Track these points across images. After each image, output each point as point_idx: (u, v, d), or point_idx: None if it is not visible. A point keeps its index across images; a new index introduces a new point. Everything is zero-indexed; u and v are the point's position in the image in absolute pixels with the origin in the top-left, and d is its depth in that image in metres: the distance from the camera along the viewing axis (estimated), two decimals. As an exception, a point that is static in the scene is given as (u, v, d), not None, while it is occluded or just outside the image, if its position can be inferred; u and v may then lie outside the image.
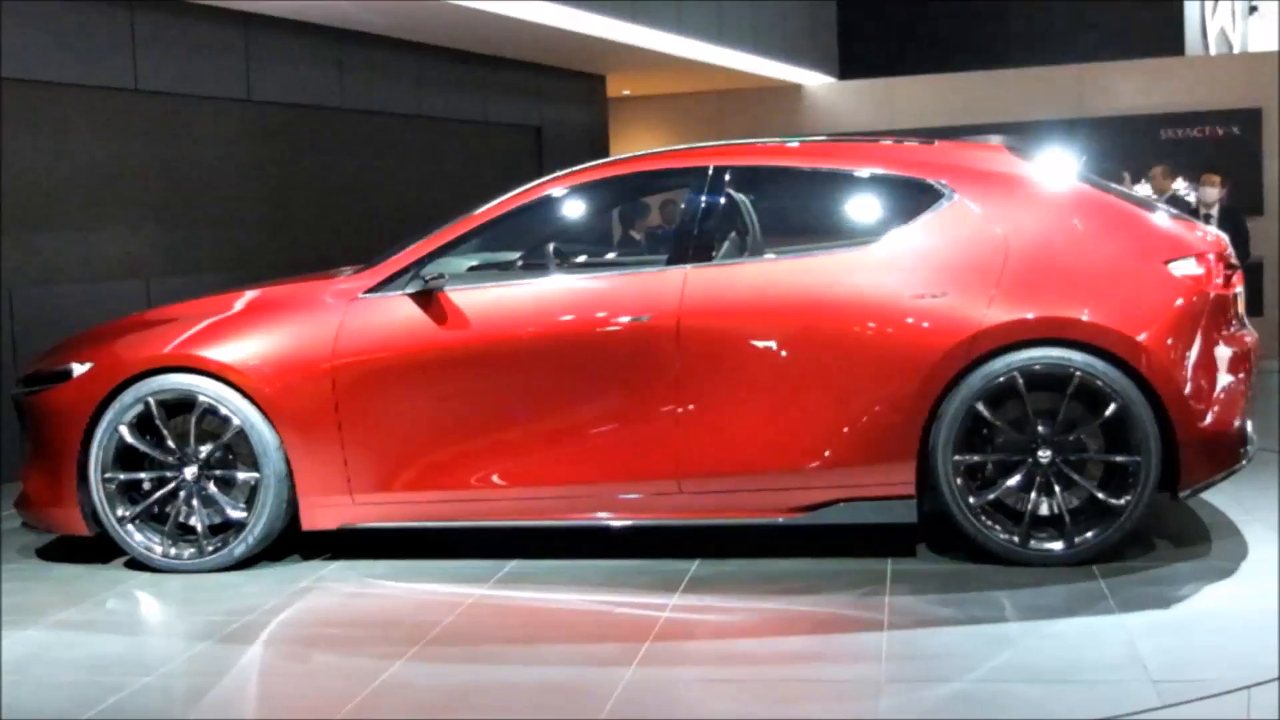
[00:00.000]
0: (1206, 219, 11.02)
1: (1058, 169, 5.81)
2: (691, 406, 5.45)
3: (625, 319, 5.52)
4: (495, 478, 5.62)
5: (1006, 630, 4.61)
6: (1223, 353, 5.38)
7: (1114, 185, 6.11)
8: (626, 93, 15.67)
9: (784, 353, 5.42)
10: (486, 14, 10.10)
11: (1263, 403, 8.79)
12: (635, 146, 13.31)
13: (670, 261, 5.65)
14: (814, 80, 15.91)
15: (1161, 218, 5.62)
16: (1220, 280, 5.41)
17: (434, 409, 5.64)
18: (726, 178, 5.80)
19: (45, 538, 6.29)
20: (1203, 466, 5.32)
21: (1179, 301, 5.32)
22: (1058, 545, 5.28)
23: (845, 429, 5.38)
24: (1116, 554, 5.30)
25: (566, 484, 5.58)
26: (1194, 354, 5.32)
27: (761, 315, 5.47)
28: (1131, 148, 14.17)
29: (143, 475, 5.80)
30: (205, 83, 9.41)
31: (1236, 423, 5.37)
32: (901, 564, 5.41)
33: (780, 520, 5.50)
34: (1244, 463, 5.45)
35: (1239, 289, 5.62)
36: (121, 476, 5.78)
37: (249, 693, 4.50)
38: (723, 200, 5.79)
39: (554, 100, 13.65)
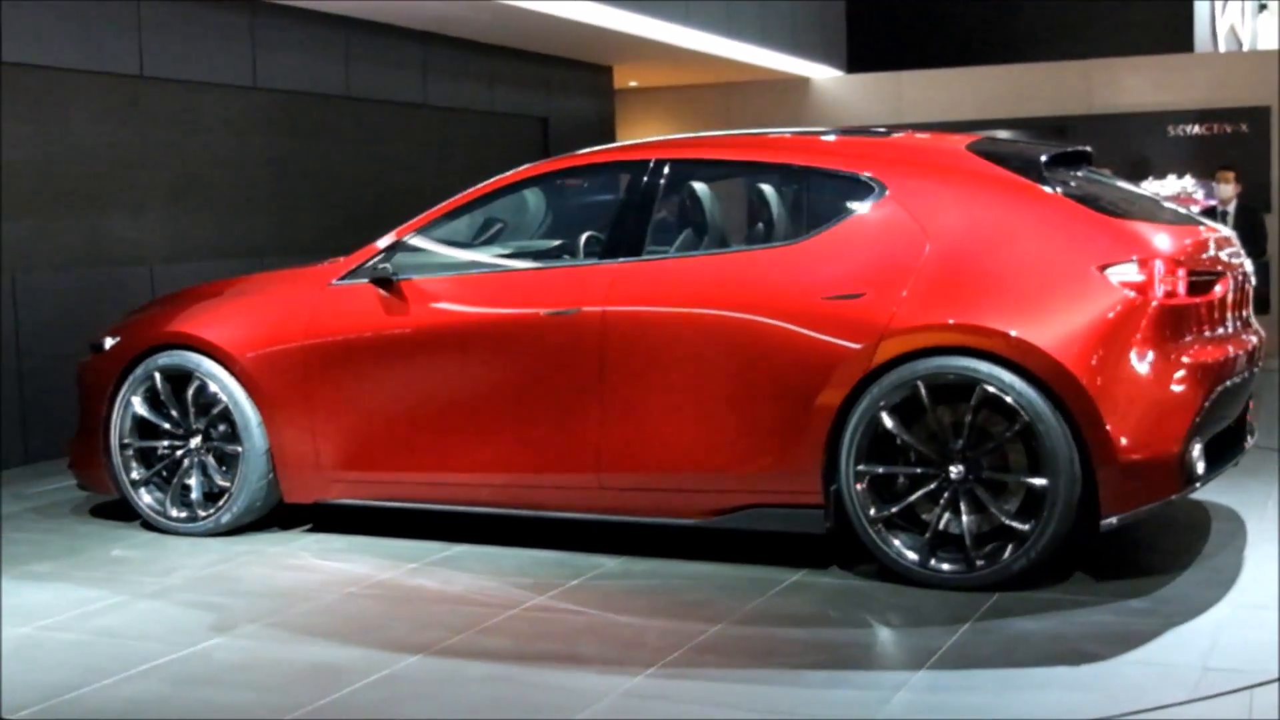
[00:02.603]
0: (1222, 216, 10.96)
1: (1017, 165, 5.33)
2: (612, 402, 5.44)
3: (555, 311, 5.54)
4: (432, 463, 5.80)
5: (775, 674, 4.28)
6: (1165, 368, 4.88)
7: (1113, 182, 5.82)
8: (634, 84, 15.63)
9: (698, 351, 5.32)
10: (494, 4, 10.08)
11: (1267, 400, 8.77)
12: (642, 137, 13.25)
13: (604, 255, 5.65)
14: (822, 73, 15.86)
15: (1114, 220, 5.10)
16: (1175, 287, 4.92)
17: (383, 392, 5.87)
18: (665, 173, 5.71)
19: (105, 497, 6.69)
20: (1127, 495, 4.82)
21: (1106, 309, 4.86)
22: (959, 568, 4.96)
23: (752, 432, 5.23)
24: (1026, 582, 4.92)
25: (495, 472, 5.70)
26: (1121, 368, 4.83)
27: (680, 312, 5.38)
28: (1139, 144, 14.13)
29: (153, 443, 6.24)
30: (211, 69, 9.39)
31: (1173, 448, 4.84)
32: (811, 576, 5.25)
33: (692, 523, 5.42)
34: (1191, 488, 4.97)
35: (1223, 295, 5.17)
36: (135, 443, 6.24)
37: (68, 650, 4.70)
38: (659, 195, 5.70)
39: (561, 91, 13.62)
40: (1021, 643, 4.48)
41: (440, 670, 4.38)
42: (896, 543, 5.05)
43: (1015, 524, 4.89)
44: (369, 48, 10.88)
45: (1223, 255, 5.33)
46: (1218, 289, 5.15)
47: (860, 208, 5.31)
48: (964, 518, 4.97)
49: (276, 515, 6.27)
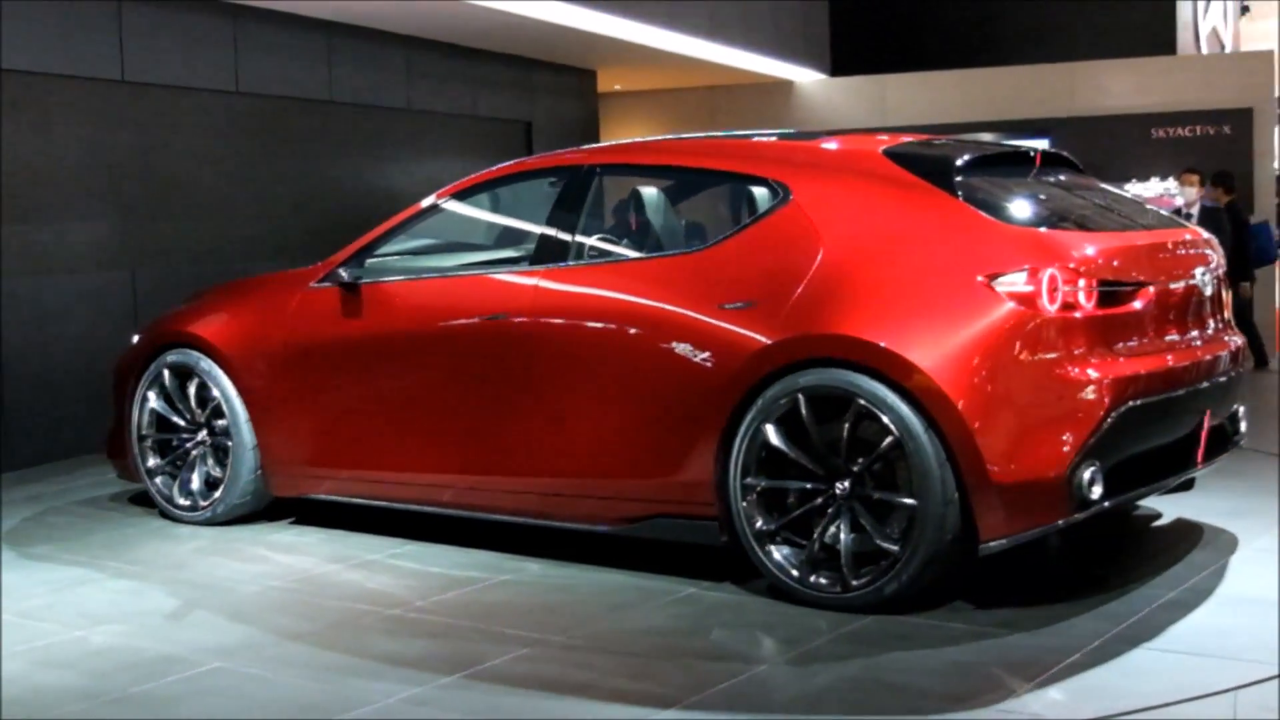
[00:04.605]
0: (1187, 218, 10.99)
1: (925, 170, 5.05)
2: (532, 408, 5.48)
3: (488, 316, 5.60)
4: (389, 463, 5.93)
5: (544, 695, 4.12)
6: (1053, 385, 4.56)
7: (1092, 184, 5.60)
8: (618, 88, 15.61)
9: (606, 359, 5.31)
10: (477, 7, 10.05)
11: (1263, 403, 8.77)
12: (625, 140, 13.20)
13: (533, 261, 5.68)
14: (806, 76, 15.86)
15: (1012, 228, 4.81)
16: (1075, 298, 4.61)
17: (345, 393, 6.04)
18: (592, 178, 5.70)
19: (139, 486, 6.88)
20: (1005, 519, 4.54)
21: (988, 322, 4.59)
22: (835, 587, 4.76)
23: (654, 442, 5.18)
24: (903, 606, 4.67)
25: (442, 473, 5.77)
26: (1001, 385, 4.56)
27: (589, 319, 5.38)
28: (1122, 146, 14.15)
29: (167, 435, 6.55)
30: (193, 74, 9.35)
31: (1056, 471, 4.53)
32: (704, 589, 5.11)
33: (602, 530, 5.40)
34: (1088, 513, 4.62)
35: (1160, 303, 4.88)
36: (153, 435, 6.55)
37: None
38: (586, 200, 5.68)
39: (545, 94, 13.59)
40: (823, 677, 4.21)
41: (265, 665, 4.47)
42: (779, 557, 4.89)
43: (886, 545, 4.69)
44: (351, 52, 10.84)
45: (1170, 261, 5.06)
46: (1138, 302, 4.83)
47: (767, 212, 5.18)
48: (842, 536, 4.79)
49: (293, 507, 6.49)
